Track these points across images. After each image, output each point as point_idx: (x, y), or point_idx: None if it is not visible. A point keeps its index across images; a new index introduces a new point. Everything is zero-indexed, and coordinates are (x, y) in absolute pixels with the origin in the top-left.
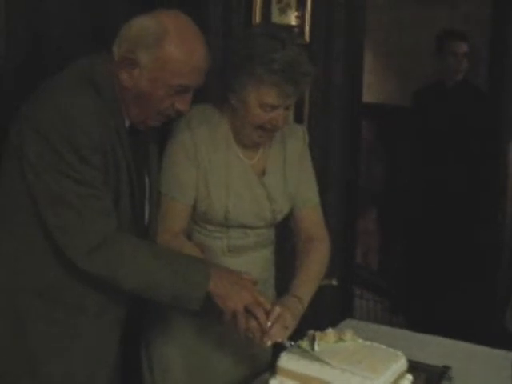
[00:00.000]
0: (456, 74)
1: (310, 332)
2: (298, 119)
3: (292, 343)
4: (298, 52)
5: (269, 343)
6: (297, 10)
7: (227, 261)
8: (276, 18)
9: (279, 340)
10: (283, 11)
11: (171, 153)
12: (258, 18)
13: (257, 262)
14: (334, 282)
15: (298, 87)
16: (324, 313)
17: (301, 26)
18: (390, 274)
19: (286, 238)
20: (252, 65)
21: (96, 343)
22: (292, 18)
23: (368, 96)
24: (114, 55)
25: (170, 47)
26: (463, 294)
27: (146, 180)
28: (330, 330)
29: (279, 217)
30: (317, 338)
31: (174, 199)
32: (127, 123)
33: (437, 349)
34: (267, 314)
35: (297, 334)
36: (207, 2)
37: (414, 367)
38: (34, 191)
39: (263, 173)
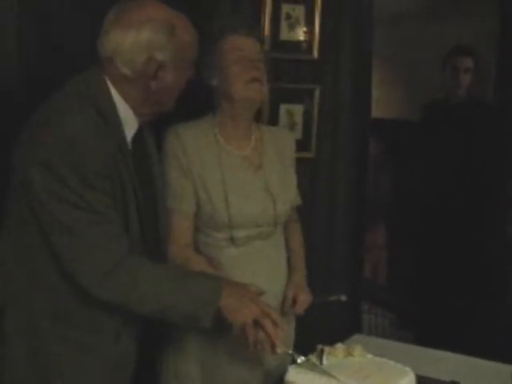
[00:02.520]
0: (458, 89)
1: (319, 346)
2: (307, 133)
3: (301, 357)
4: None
5: (279, 351)
6: (305, 26)
7: (231, 252)
8: (285, 33)
9: (289, 351)
10: (292, 27)
11: (165, 166)
12: (266, 33)
13: (263, 251)
14: (343, 298)
15: (251, 30)
16: (332, 328)
17: (309, 41)
18: (398, 288)
19: None
20: (214, 33)
21: (113, 362)
22: (300, 34)
23: (376, 111)
24: (108, 70)
25: (182, 35)
26: (472, 309)
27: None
28: (339, 345)
29: (280, 210)
30: (325, 352)
31: (175, 211)
32: (135, 128)
33: (445, 364)
34: (275, 324)
35: (306, 349)
36: (215, 14)
37: (422, 383)
38: (41, 220)
39: (259, 167)
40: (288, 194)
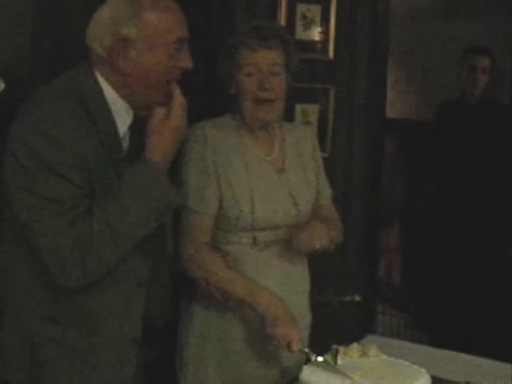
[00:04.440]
0: (475, 88)
1: (334, 346)
2: (322, 133)
3: (316, 356)
4: (264, 22)
5: (294, 348)
6: (321, 26)
7: (255, 254)
8: (300, 34)
9: (305, 350)
10: (307, 27)
11: (188, 166)
12: None
13: (283, 255)
14: (357, 298)
15: (264, 42)
16: (347, 328)
17: (325, 41)
18: (412, 289)
19: None
20: (230, 42)
21: (112, 365)
22: (316, 34)
23: (391, 111)
24: (94, 59)
25: (150, 9)
26: (486, 310)
27: None
28: (354, 345)
29: (303, 211)
30: (340, 352)
31: (197, 212)
32: (129, 120)
33: (460, 365)
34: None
35: (320, 348)
36: (232, 19)
37: None
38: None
39: (282, 170)
40: (310, 194)
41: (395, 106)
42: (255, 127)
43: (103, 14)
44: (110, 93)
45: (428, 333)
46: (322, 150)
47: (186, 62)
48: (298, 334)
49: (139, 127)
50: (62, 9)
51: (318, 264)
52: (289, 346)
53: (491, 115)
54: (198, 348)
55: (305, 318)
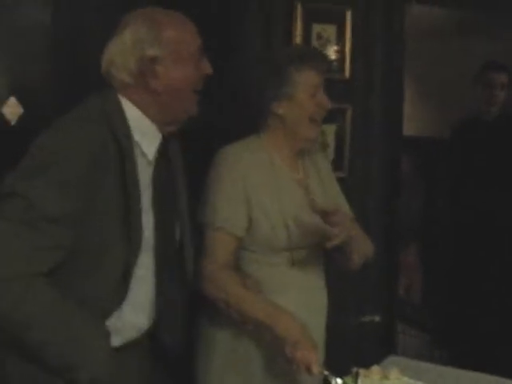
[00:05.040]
0: (493, 105)
1: (354, 369)
2: (339, 153)
3: (336, 379)
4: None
5: (314, 371)
6: (336, 46)
7: (289, 275)
8: None
9: (325, 372)
10: (323, 47)
11: (218, 189)
12: None
13: (317, 272)
14: (377, 319)
15: (325, 66)
16: (366, 349)
17: (341, 61)
18: (432, 308)
19: None
20: (290, 63)
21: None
22: (332, 54)
23: (407, 129)
24: (116, 85)
25: (168, 26)
26: (507, 329)
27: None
28: (374, 367)
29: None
30: (361, 375)
31: (224, 233)
32: (158, 141)
33: None
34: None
35: (340, 370)
36: (247, 40)
37: None
38: None
39: (308, 190)
40: None
41: (412, 123)
42: (299, 146)
43: (124, 39)
44: (137, 115)
45: (448, 351)
46: (339, 169)
47: (208, 69)
48: (317, 357)
49: (166, 150)
50: (79, 34)
51: (337, 284)
52: (309, 369)
53: (509, 131)
54: (222, 371)
55: (322, 339)
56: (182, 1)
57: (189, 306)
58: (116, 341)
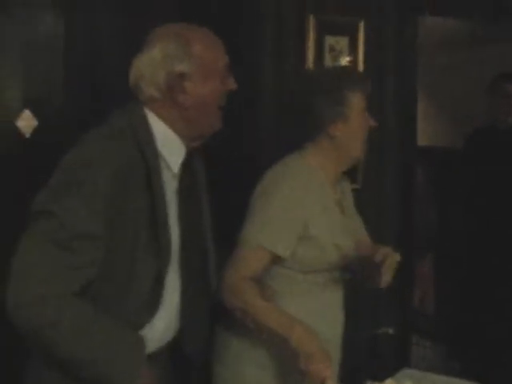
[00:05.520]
0: (508, 116)
1: (368, 382)
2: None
3: None
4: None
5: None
6: (349, 57)
7: (325, 296)
8: (329, 65)
9: None
10: (336, 59)
11: (269, 204)
12: (310, 64)
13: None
14: (391, 331)
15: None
16: (381, 361)
17: None
18: (446, 319)
19: None
20: (344, 85)
21: None
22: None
23: (421, 139)
24: (143, 99)
25: (197, 43)
26: None
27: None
28: (388, 381)
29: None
30: None
31: (263, 249)
32: (183, 155)
33: None
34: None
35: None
36: (260, 52)
37: None
38: None
39: (343, 212)
40: (365, 234)
41: (426, 133)
42: (344, 167)
43: (154, 55)
44: (162, 129)
45: (462, 363)
46: (353, 181)
47: (233, 85)
48: (331, 371)
49: (190, 165)
50: (92, 46)
51: (351, 297)
52: (323, 382)
53: None
54: (237, 379)
55: (337, 353)
56: (197, 16)
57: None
58: None
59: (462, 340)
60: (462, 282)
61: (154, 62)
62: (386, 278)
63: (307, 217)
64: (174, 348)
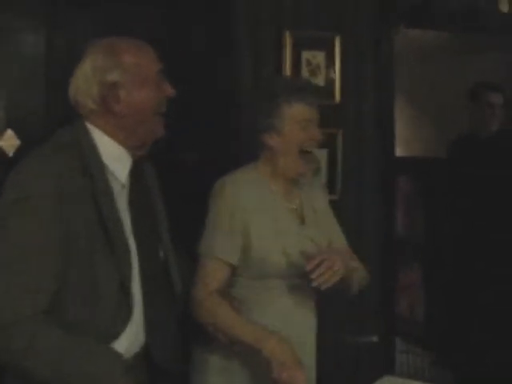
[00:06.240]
0: (492, 124)
1: None
2: (331, 176)
3: None
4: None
5: None
6: (326, 72)
7: (282, 303)
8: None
9: None
10: (313, 73)
11: (215, 219)
12: None
13: (308, 301)
14: (375, 339)
15: (316, 100)
16: (366, 370)
17: (330, 86)
18: (435, 326)
19: None
20: (280, 96)
21: None
22: (321, 80)
23: (407, 150)
24: (84, 114)
25: (126, 52)
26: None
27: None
28: None
29: None
30: None
31: (219, 261)
32: (129, 165)
33: None
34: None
35: None
36: (236, 73)
37: None
38: None
39: (303, 220)
40: (327, 243)
41: (411, 144)
42: (290, 178)
43: (84, 68)
44: (105, 141)
45: (452, 370)
46: (332, 192)
47: (169, 90)
48: (304, 378)
49: (138, 173)
50: (73, 67)
51: (335, 305)
52: None
53: (505, 149)
54: None
55: (311, 359)
56: (182, 38)
57: (182, 327)
58: None
59: (450, 346)
60: (447, 287)
61: (86, 75)
62: (322, 284)
63: (250, 225)
64: (147, 357)
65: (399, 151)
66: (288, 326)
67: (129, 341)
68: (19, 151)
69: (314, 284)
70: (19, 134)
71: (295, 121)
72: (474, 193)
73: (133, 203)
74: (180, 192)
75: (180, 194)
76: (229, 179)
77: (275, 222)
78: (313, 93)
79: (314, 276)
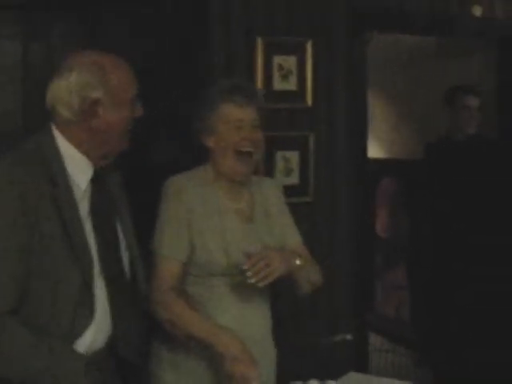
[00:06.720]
0: (470, 127)
1: (291, 382)
2: (304, 178)
3: None
4: (243, 81)
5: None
6: (298, 76)
7: (229, 297)
8: (278, 84)
9: None
10: (285, 77)
11: (163, 217)
12: (259, 83)
13: (257, 297)
14: (349, 337)
15: (250, 100)
16: (340, 368)
17: (302, 90)
18: (419, 327)
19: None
20: (210, 99)
21: None
22: (293, 84)
23: (390, 152)
24: (56, 120)
25: (112, 72)
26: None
27: (119, 228)
28: (313, 381)
29: None
30: None
31: (168, 259)
32: (90, 173)
33: None
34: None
35: None
36: (208, 79)
37: None
38: None
39: (251, 220)
40: (276, 244)
41: (395, 146)
42: (230, 179)
43: (70, 80)
44: (69, 150)
45: (433, 369)
46: (305, 194)
47: (139, 112)
48: (256, 372)
49: (99, 181)
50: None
51: (307, 304)
52: (247, 383)
53: (485, 151)
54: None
55: (268, 353)
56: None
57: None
58: None
59: (431, 345)
60: (427, 287)
61: (70, 88)
62: (259, 282)
63: (195, 226)
64: (112, 354)
65: (383, 153)
66: (236, 322)
67: (92, 338)
68: None
69: (251, 281)
70: None
71: (226, 121)
72: (452, 194)
73: (94, 209)
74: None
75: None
76: (176, 178)
77: (218, 222)
78: (245, 94)
79: (249, 274)
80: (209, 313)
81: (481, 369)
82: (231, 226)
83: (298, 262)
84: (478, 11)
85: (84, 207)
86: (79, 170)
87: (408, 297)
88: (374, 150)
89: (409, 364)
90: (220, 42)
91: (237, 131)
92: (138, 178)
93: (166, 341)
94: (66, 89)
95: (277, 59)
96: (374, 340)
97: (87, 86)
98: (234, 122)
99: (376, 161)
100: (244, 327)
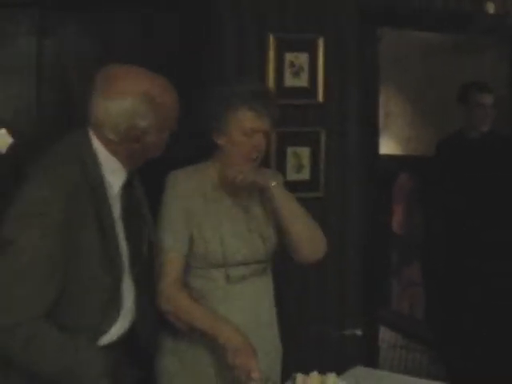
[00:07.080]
0: (484, 124)
1: (293, 374)
2: (315, 174)
3: None
4: (263, 87)
5: (253, 376)
6: (309, 72)
7: (225, 289)
8: (289, 80)
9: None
10: (296, 74)
11: (164, 210)
12: (271, 80)
13: (258, 289)
14: (359, 332)
15: (269, 110)
16: (350, 363)
17: (314, 86)
18: (435, 325)
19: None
20: (229, 99)
21: None
22: (305, 80)
23: (407, 149)
24: (97, 133)
25: (161, 102)
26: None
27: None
28: (313, 373)
29: (270, 247)
30: (298, 381)
31: (170, 252)
32: (124, 177)
33: None
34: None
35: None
36: (221, 75)
37: None
38: None
39: (248, 210)
40: (274, 233)
41: (412, 143)
42: (230, 179)
43: (123, 107)
44: (105, 155)
45: (446, 366)
46: (316, 190)
47: (176, 126)
48: (256, 364)
49: (131, 182)
50: (65, 62)
51: (318, 298)
52: (249, 374)
53: (498, 148)
54: (172, 378)
55: (274, 350)
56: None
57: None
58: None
59: (446, 342)
60: (441, 284)
61: (120, 114)
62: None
63: (194, 219)
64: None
65: (400, 150)
66: (237, 315)
67: (116, 332)
68: (12, 148)
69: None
70: (12, 132)
71: (240, 126)
72: (465, 191)
73: (125, 213)
74: None
75: None
76: (179, 173)
77: (217, 216)
78: (264, 103)
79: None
80: (210, 305)
81: (494, 365)
82: (229, 220)
83: (273, 183)
84: (491, 8)
85: (116, 210)
86: (114, 174)
87: (423, 294)
88: (391, 147)
89: (423, 361)
90: (232, 40)
91: (249, 139)
92: (143, 173)
93: (169, 331)
94: (117, 114)
95: (288, 56)
96: (389, 336)
97: (137, 116)
98: (248, 129)
99: (392, 157)
100: (246, 319)
